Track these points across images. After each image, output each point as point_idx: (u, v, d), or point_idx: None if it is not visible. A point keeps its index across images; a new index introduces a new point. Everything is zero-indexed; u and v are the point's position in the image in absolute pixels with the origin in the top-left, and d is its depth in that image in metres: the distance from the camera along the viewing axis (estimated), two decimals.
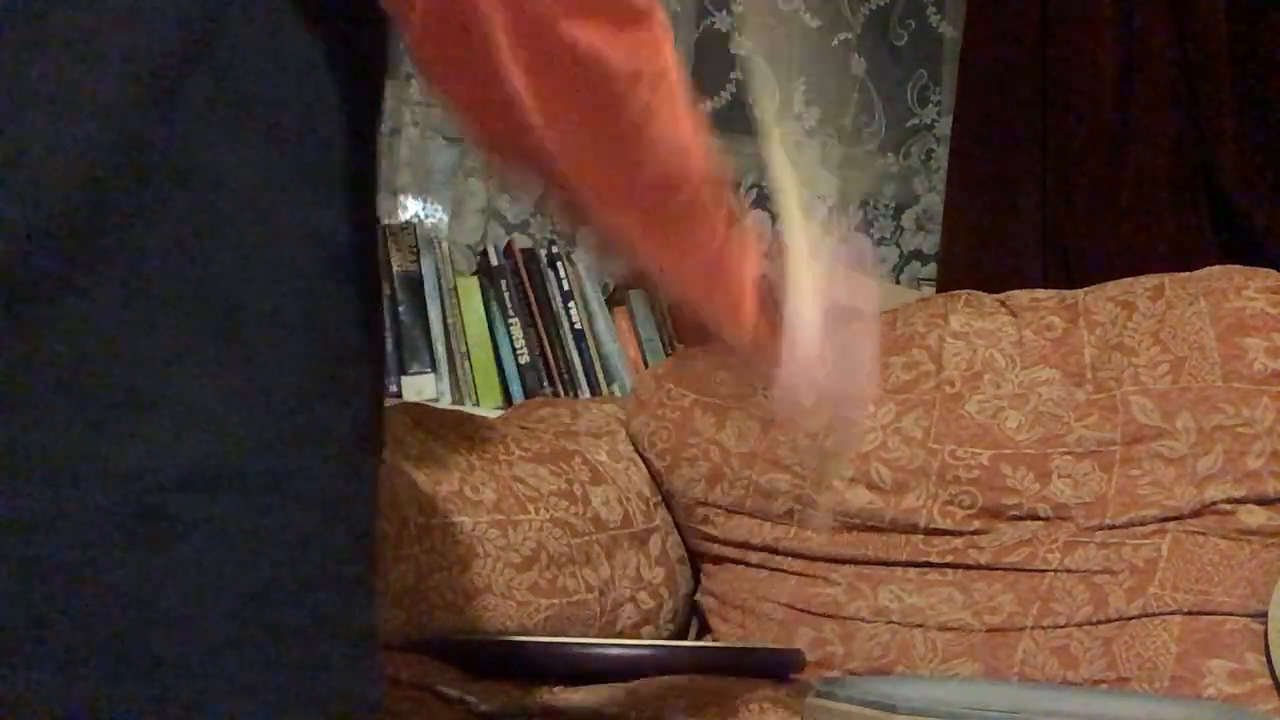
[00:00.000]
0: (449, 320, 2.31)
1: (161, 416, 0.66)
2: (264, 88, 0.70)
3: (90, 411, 0.65)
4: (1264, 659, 1.53)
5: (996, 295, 1.88)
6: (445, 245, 2.39)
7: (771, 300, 0.97)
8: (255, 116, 0.69)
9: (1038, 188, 2.62)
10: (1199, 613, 1.57)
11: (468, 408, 2.22)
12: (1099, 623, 1.60)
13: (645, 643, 1.69)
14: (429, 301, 2.30)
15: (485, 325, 2.34)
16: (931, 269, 2.83)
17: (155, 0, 0.67)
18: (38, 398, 0.65)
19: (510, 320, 2.35)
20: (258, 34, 0.69)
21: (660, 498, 1.87)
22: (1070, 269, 2.55)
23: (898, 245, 2.88)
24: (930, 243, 2.86)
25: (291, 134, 0.70)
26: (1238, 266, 1.75)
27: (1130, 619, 1.59)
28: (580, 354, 2.38)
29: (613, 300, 2.52)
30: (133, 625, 0.65)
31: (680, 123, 0.82)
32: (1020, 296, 1.85)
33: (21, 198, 0.65)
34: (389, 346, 2.24)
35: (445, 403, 2.25)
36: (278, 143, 0.70)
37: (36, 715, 0.64)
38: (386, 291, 2.27)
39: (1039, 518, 1.68)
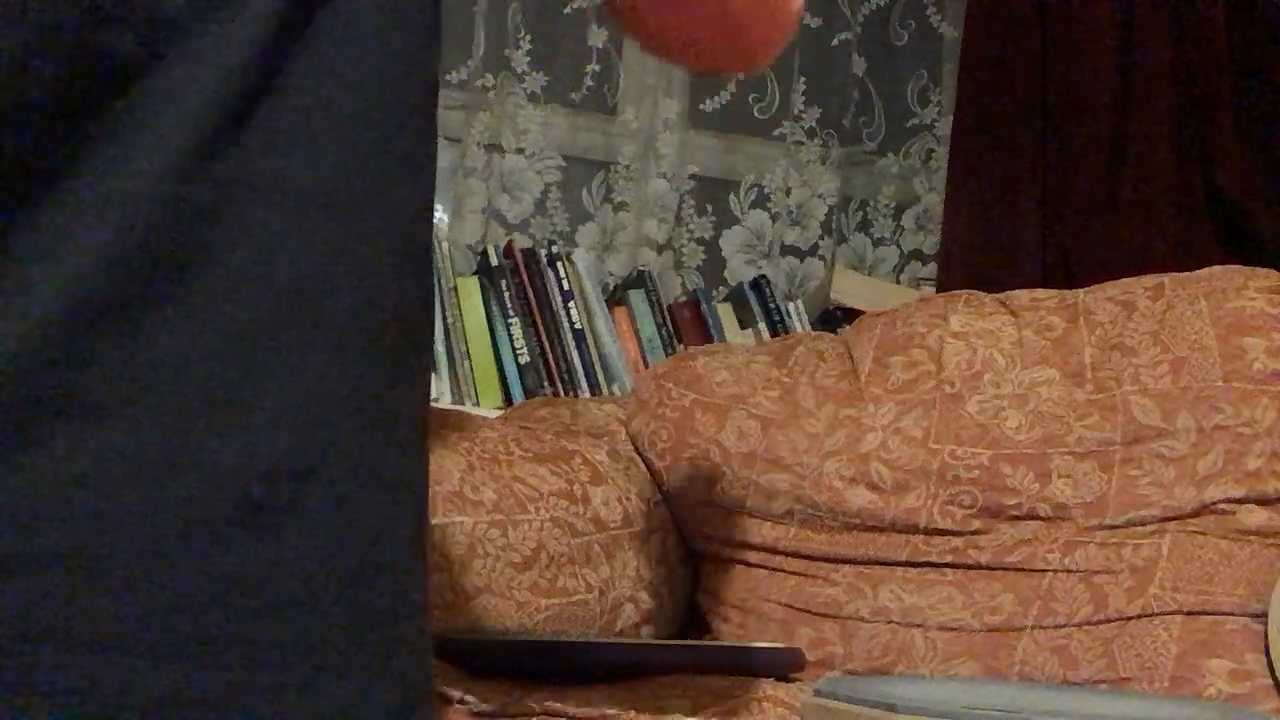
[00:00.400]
0: (449, 320, 2.31)
1: (254, 413, 0.68)
2: (338, 90, 0.72)
3: (186, 414, 0.68)
4: (1264, 659, 1.53)
5: (996, 295, 1.88)
6: (445, 245, 2.39)
7: None
8: (333, 120, 0.71)
9: (1038, 188, 2.62)
10: (1199, 613, 1.57)
11: (468, 408, 2.22)
12: (1099, 623, 1.60)
13: (645, 642, 1.69)
14: None
15: (485, 325, 2.34)
16: (931, 269, 2.83)
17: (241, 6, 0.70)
18: (134, 405, 0.67)
19: (510, 320, 2.35)
20: (339, 37, 0.71)
21: (660, 498, 1.87)
22: (1070, 269, 2.55)
23: (898, 245, 2.88)
24: (930, 243, 2.86)
25: (368, 133, 0.73)
26: (1238, 266, 1.75)
27: (1130, 619, 1.59)
28: (580, 354, 2.38)
29: (613, 300, 2.52)
30: (242, 613, 0.68)
31: None
32: (1020, 296, 1.85)
33: (105, 220, 0.67)
34: None
35: (445, 403, 2.25)
36: (353, 143, 0.72)
37: (151, 708, 0.66)
38: None
39: (1039, 518, 1.68)
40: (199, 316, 0.68)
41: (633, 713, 1.29)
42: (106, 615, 0.66)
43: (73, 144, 0.68)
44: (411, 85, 0.74)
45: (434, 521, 1.58)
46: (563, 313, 2.39)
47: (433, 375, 2.25)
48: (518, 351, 2.33)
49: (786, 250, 2.79)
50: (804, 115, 2.79)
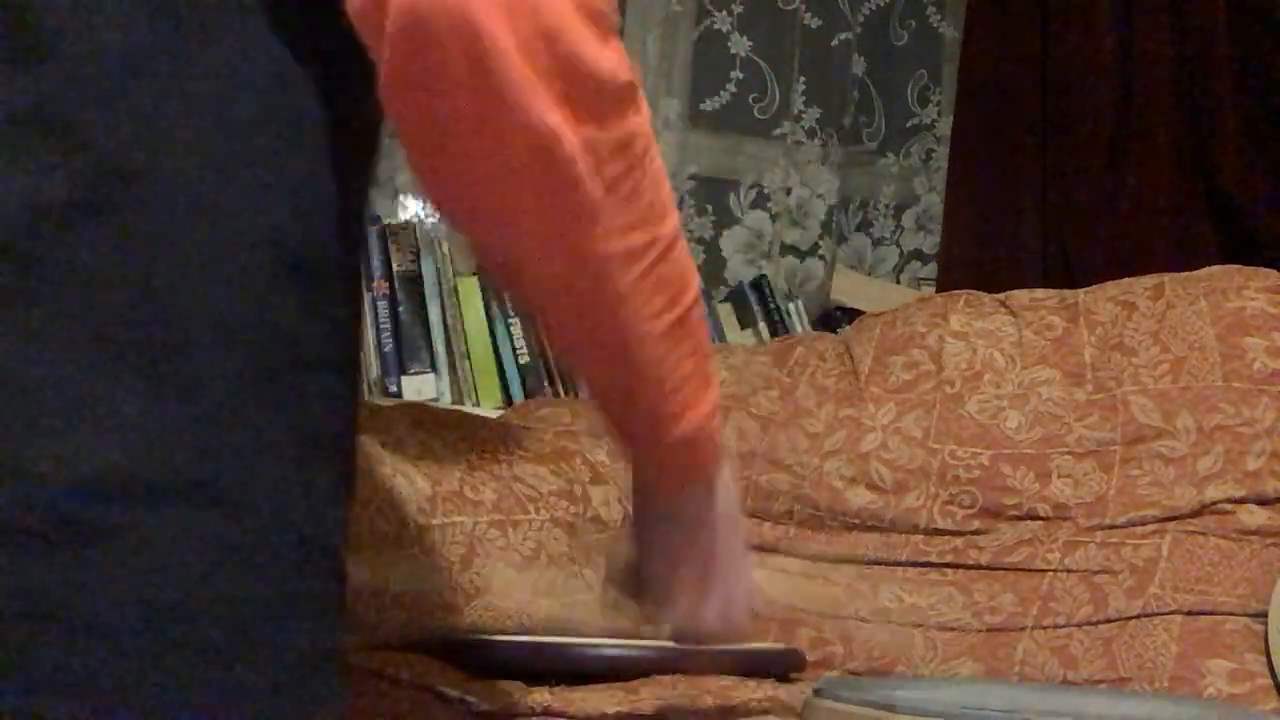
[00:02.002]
0: (449, 320, 2.31)
1: (81, 423, 0.64)
2: (218, 90, 0.68)
3: (8, 418, 0.63)
4: (1264, 659, 1.53)
5: (996, 295, 1.88)
6: (445, 245, 2.39)
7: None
8: (209, 121, 0.67)
9: (1038, 188, 2.62)
10: (1199, 613, 1.57)
11: (468, 408, 2.22)
12: (1099, 623, 1.60)
13: (645, 643, 1.69)
14: (429, 301, 2.30)
15: (485, 325, 2.34)
16: (931, 269, 2.83)
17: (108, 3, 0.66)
18: None
19: (510, 320, 2.35)
20: (214, 37, 0.68)
21: None
22: (1070, 269, 2.55)
23: (898, 245, 2.88)
24: (930, 243, 2.86)
25: (247, 135, 0.68)
26: (1238, 266, 1.75)
27: (1130, 619, 1.59)
28: None
29: None
30: (38, 634, 0.63)
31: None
32: (1020, 296, 1.85)
33: None
34: (389, 347, 2.24)
35: (445, 403, 2.24)
36: (232, 145, 0.68)
37: None
38: (386, 291, 2.26)
39: (1039, 518, 1.68)
40: (39, 319, 0.64)
41: (633, 713, 1.29)
42: None
43: None
44: (299, 90, 0.70)
45: (434, 521, 1.58)
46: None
47: (432, 376, 2.26)
48: (518, 351, 2.33)
49: (786, 250, 2.78)
50: (804, 115, 2.79)
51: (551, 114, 0.67)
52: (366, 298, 2.23)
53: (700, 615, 0.95)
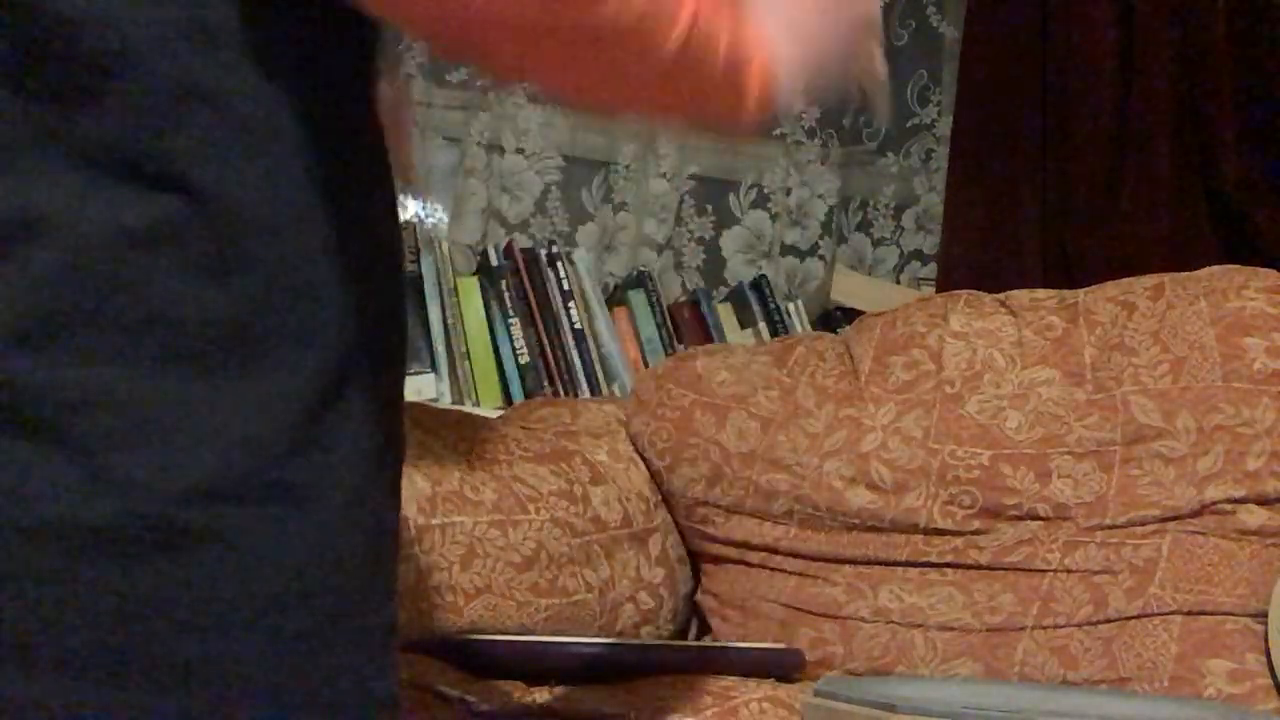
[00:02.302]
0: (449, 320, 2.31)
1: (176, 434, 0.68)
2: (266, 114, 0.71)
3: (107, 434, 0.67)
4: (1264, 659, 1.53)
5: (996, 295, 1.88)
6: (445, 245, 2.39)
7: None
8: (258, 141, 0.71)
9: (1038, 188, 2.62)
10: (1199, 613, 1.57)
11: (468, 408, 2.22)
12: (1099, 623, 1.60)
13: (645, 642, 1.69)
14: (429, 301, 2.30)
15: (485, 325, 2.34)
16: (931, 269, 2.83)
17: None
18: (57, 423, 0.67)
19: (510, 320, 2.35)
20: (246, 55, 0.70)
21: (660, 498, 1.87)
22: (1070, 269, 2.55)
23: (898, 245, 2.88)
24: (930, 243, 2.86)
25: (300, 153, 0.72)
26: (1238, 266, 1.75)
27: (1130, 619, 1.59)
28: (580, 354, 2.38)
29: (613, 300, 2.52)
30: (146, 635, 0.67)
31: None
32: (1020, 296, 1.85)
33: (40, 244, 0.67)
34: None
35: (445, 403, 2.24)
36: (286, 163, 0.71)
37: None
38: None
39: (1039, 518, 1.68)
40: (126, 339, 0.68)
41: (633, 713, 1.29)
42: (13, 628, 0.66)
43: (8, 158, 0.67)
44: (333, 104, 0.73)
45: (434, 521, 1.58)
46: (563, 313, 2.39)
47: (432, 376, 2.26)
48: (518, 351, 2.33)
49: (786, 250, 2.78)
50: (804, 115, 2.79)
51: None
52: None
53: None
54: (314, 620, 0.71)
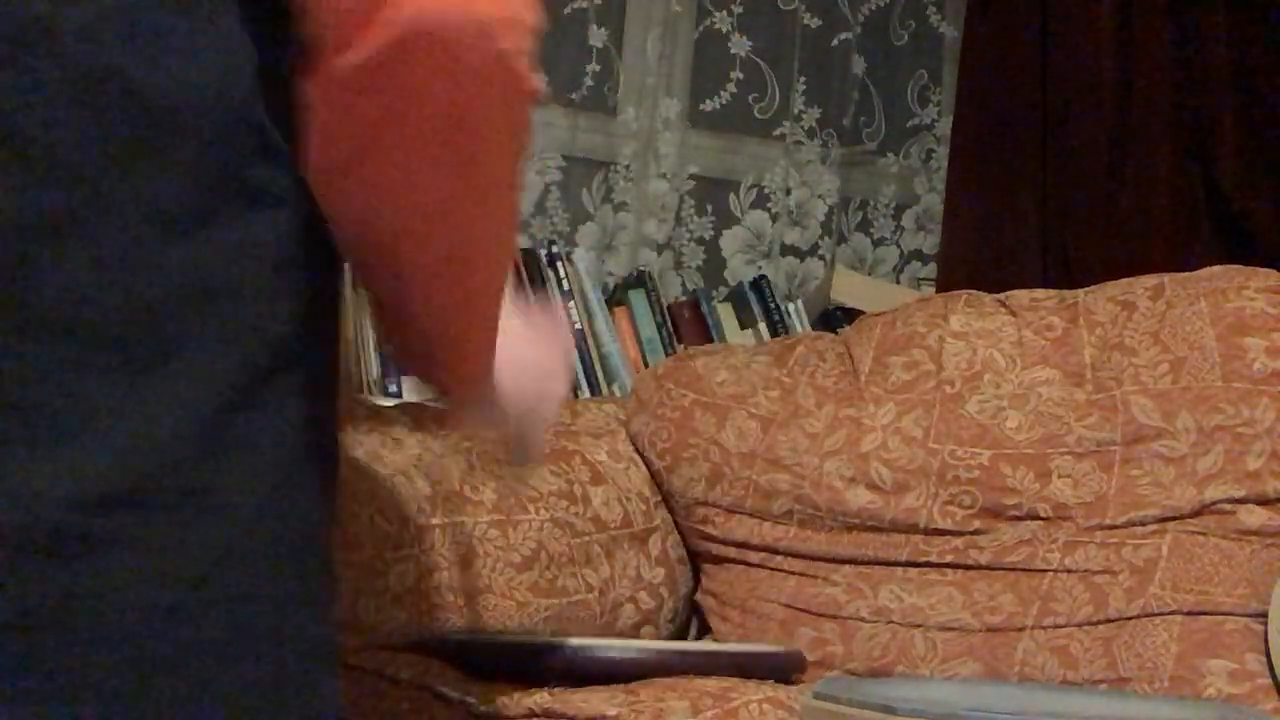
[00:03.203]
0: None
1: (73, 440, 0.66)
2: (171, 104, 0.69)
3: (4, 439, 0.65)
4: (1264, 659, 1.53)
5: (996, 295, 1.88)
6: None
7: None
8: (172, 142, 0.69)
9: (1038, 188, 2.62)
10: (1199, 613, 1.57)
11: None
12: (1099, 623, 1.60)
13: (645, 643, 1.69)
14: None
15: None
16: (931, 269, 2.83)
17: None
18: None
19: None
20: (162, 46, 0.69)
21: (660, 498, 1.87)
22: (1070, 269, 2.55)
23: (898, 245, 2.88)
24: (930, 243, 2.86)
25: (211, 151, 0.70)
26: (1238, 266, 1.75)
27: (1130, 619, 1.59)
28: (580, 354, 2.38)
29: (613, 300, 2.52)
30: (47, 643, 0.65)
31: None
32: (1020, 296, 1.85)
33: None
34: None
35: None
36: (199, 162, 0.69)
37: None
38: None
39: (1039, 518, 1.68)
40: (24, 339, 0.65)
41: (632, 713, 1.29)
42: None
43: None
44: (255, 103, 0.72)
45: (434, 521, 1.58)
46: (562, 311, 2.39)
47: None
48: None
49: (786, 250, 2.78)
50: (804, 115, 2.79)
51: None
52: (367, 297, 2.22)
53: (508, 413, 0.98)
54: (220, 630, 0.68)
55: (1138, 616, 1.58)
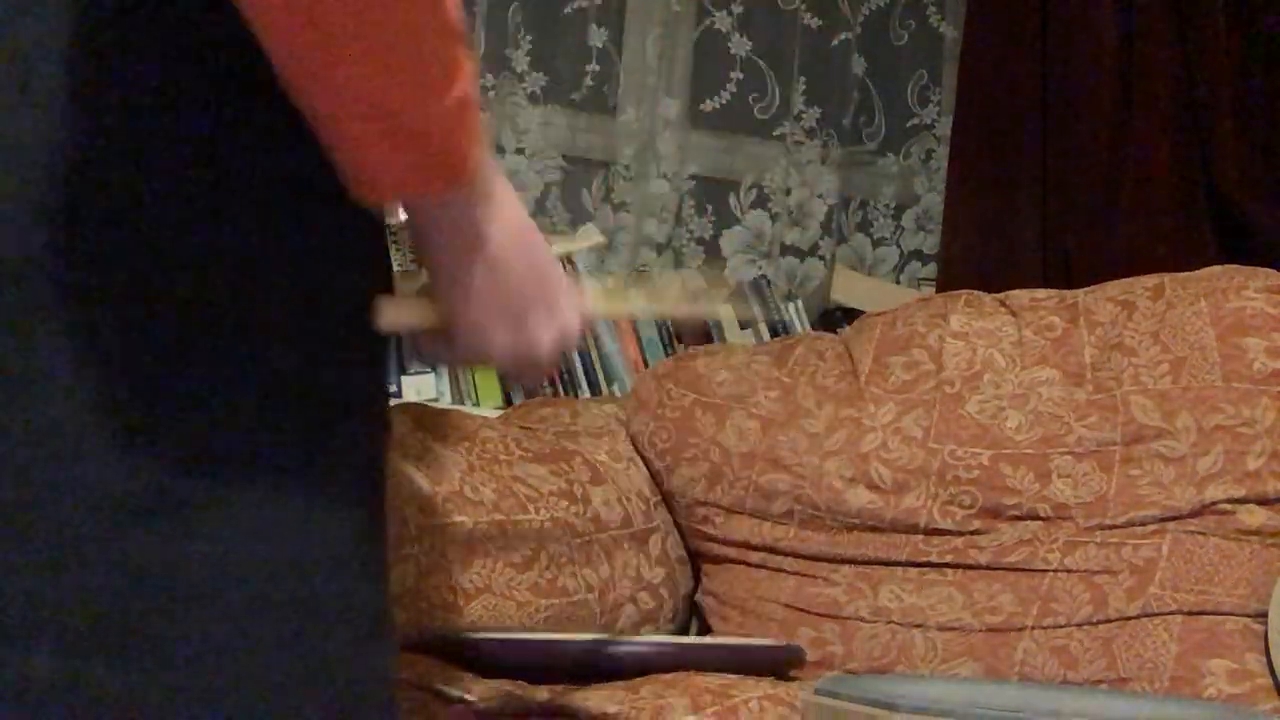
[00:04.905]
0: None
1: (172, 404, 0.67)
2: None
3: (104, 396, 0.66)
4: (1264, 659, 1.53)
5: (996, 295, 1.88)
6: None
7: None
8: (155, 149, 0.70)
9: (1038, 188, 2.62)
10: (1199, 613, 1.57)
11: (468, 408, 2.22)
12: (1099, 623, 1.60)
13: (646, 640, 1.69)
14: None
15: None
16: (931, 269, 2.83)
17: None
18: (52, 379, 0.66)
19: None
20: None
21: (660, 498, 1.87)
22: (1070, 269, 2.55)
23: (898, 245, 2.88)
24: (930, 243, 2.86)
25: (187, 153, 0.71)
26: (1238, 266, 1.75)
27: (1130, 619, 1.59)
28: (580, 354, 2.38)
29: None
30: (151, 609, 0.66)
31: None
32: (1020, 296, 1.85)
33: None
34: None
35: (445, 403, 2.25)
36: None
37: (46, 698, 0.65)
38: None
39: (1039, 518, 1.68)
40: (130, 294, 0.67)
41: (633, 712, 1.29)
42: (14, 602, 0.65)
43: None
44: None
45: (434, 521, 1.58)
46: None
47: (433, 376, 2.26)
48: None
49: (786, 250, 2.78)
50: (804, 115, 2.79)
51: None
52: None
53: (488, 346, 0.84)
54: (306, 595, 0.70)
55: (1138, 616, 1.58)
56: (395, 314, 0.79)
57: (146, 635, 0.66)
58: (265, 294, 0.71)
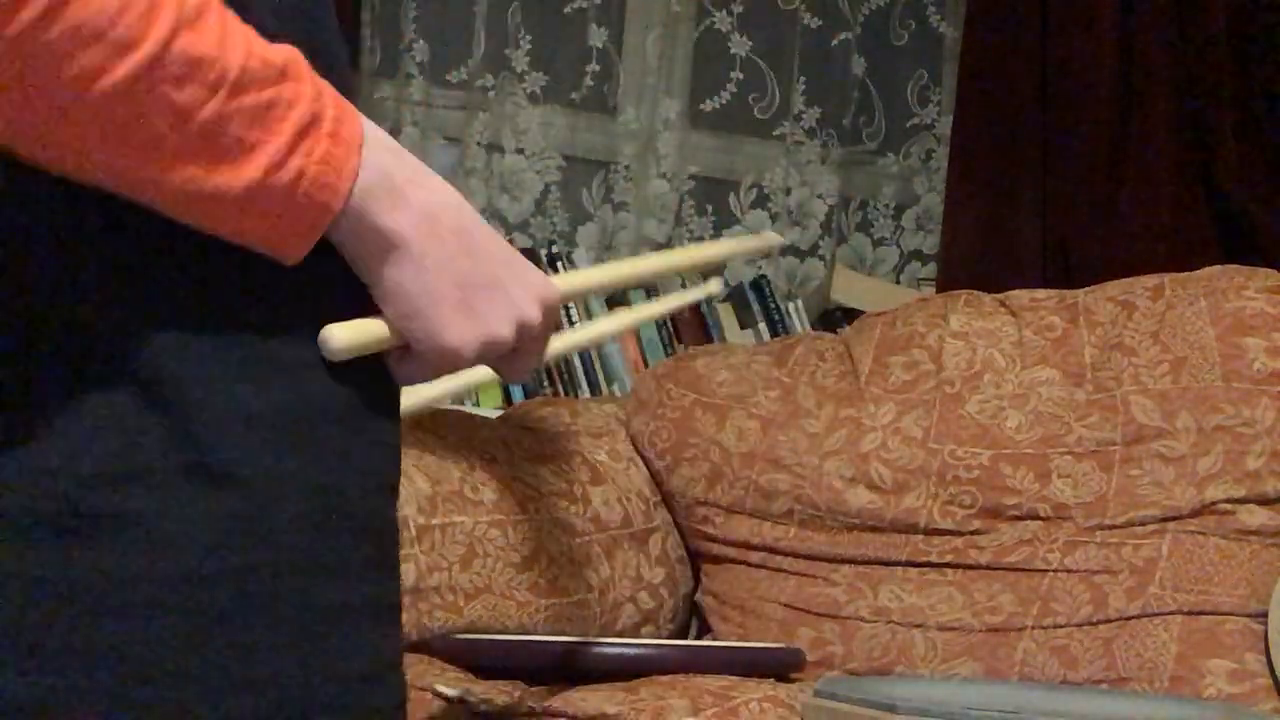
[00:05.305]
0: None
1: (79, 416, 0.67)
2: None
3: (11, 415, 0.66)
4: (1264, 659, 1.53)
5: (996, 295, 1.88)
6: None
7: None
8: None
9: (1038, 188, 2.62)
10: (1199, 613, 1.57)
11: (468, 408, 2.22)
12: (1099, 623, 1.60)
13: (645, 642, 1.69)
14: None
15: None
16: (931, 269, 2.83)
17: None
18: None
19: None
20: None
21: (660, 498, 1.87)
22: (1070, 269, 2.55)
23: (898, 245, 2.88)
24: (930, 243, 2.86)
25: None
26: (1238, 266, 1.75)
27: (1130, 619, 1.59)
28: (580, 354, 2.38)
29: (613, 300, 2.52)
30: (58, 616, 0.66)
31: None
32: (1020, 296, 1.85)
33: None
34: None
35: (445, 403, 2.24)
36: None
37: None
38: None
39: (1039, 518, 1.68)
40: (24, 324, 0.67)
41: (633, 713, 1.29)
42: None
43: None
44: None
45: (434, 521, 1.58)
46: (562, 313, 2.39)
47: None
48: None
49: (786, 250, 2.78)
50: (804, 115, 2.79)
51: None
52: None
53: (445, 343, 0.78)
54: (229, 598, 0.69)
55: (1138, 616, 1.58)
56: (346, 337, 0.74)
57: (57, 643, 0.66)
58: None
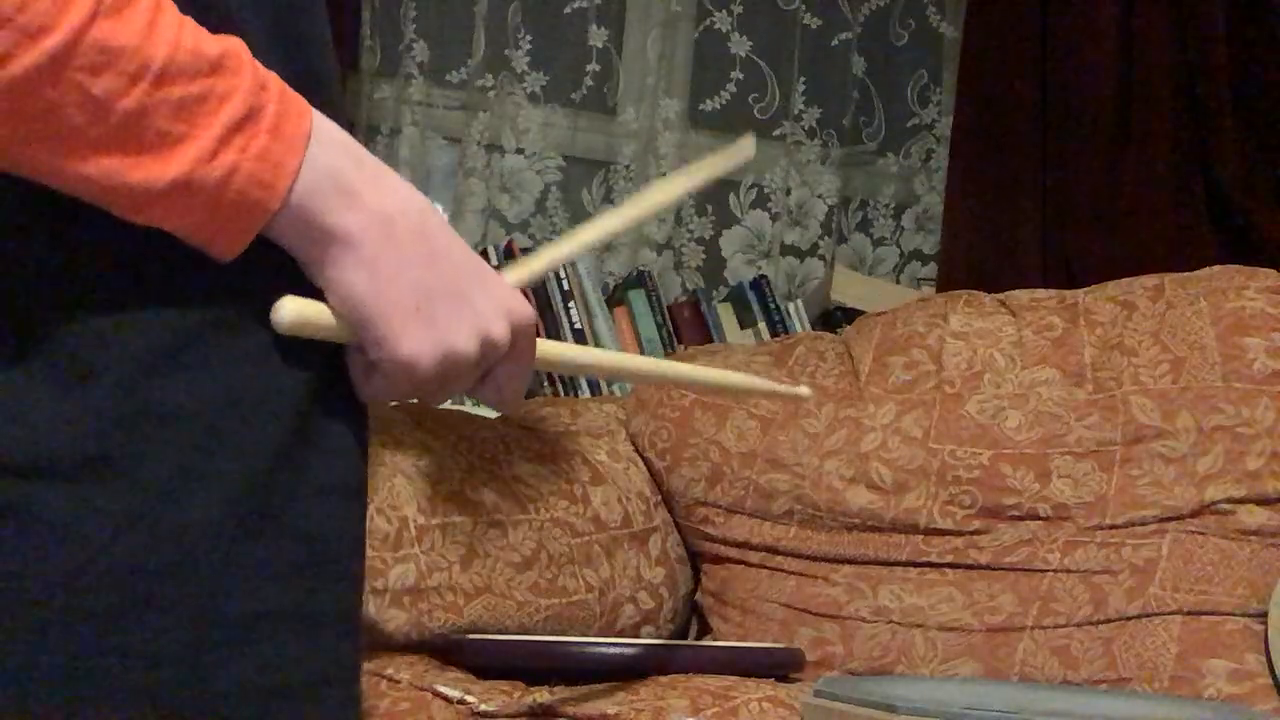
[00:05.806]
0: None
1: None
2: None
3: None
4: (1264, 659, 1.52)
5: (996, 295, 1.88)
6: None
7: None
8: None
9: (1038, 188, 2.62)
10: (1199, 613, 1.57)
11: (468, 408, 2.22)
12: (1099, 623, 1.60)
13: (645, 642, 1.69)
14: None
15: None
16: (931, 269, 2.83)
17: None
18: None
19: None
20: None
21: (660, 498, 1.87)
22: (1070, 269, 2.55)
23: (898, 245, 2.88)
24: (930, 243, 2.86)
25: None
26: (1238, 266, 1.75)
27: (1130, 619, 1.59)
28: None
29: (613, 300, 2.52)
30: None
31: None
32: (1020, 296, 1.85)
33: None
34: None
35: (445, 403, 2.24)
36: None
37: None
38: None
39: (1039, 518, 1.68)
40: None
41: (633, 713, 1.29)
42: None
43: None
44: None
45: (434, 521, 1.58)
46: (563, 313, 2.39)
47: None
48: None
49: (786, 250, 2.78)
50: (804, 115, 2.79)
51: None
52: None
53: (401, 354, 0.74)
54: (118, 598, 0.66)
55: (1138, 616, 1.58)
56: (296, 310, 0.71)
57: None
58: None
